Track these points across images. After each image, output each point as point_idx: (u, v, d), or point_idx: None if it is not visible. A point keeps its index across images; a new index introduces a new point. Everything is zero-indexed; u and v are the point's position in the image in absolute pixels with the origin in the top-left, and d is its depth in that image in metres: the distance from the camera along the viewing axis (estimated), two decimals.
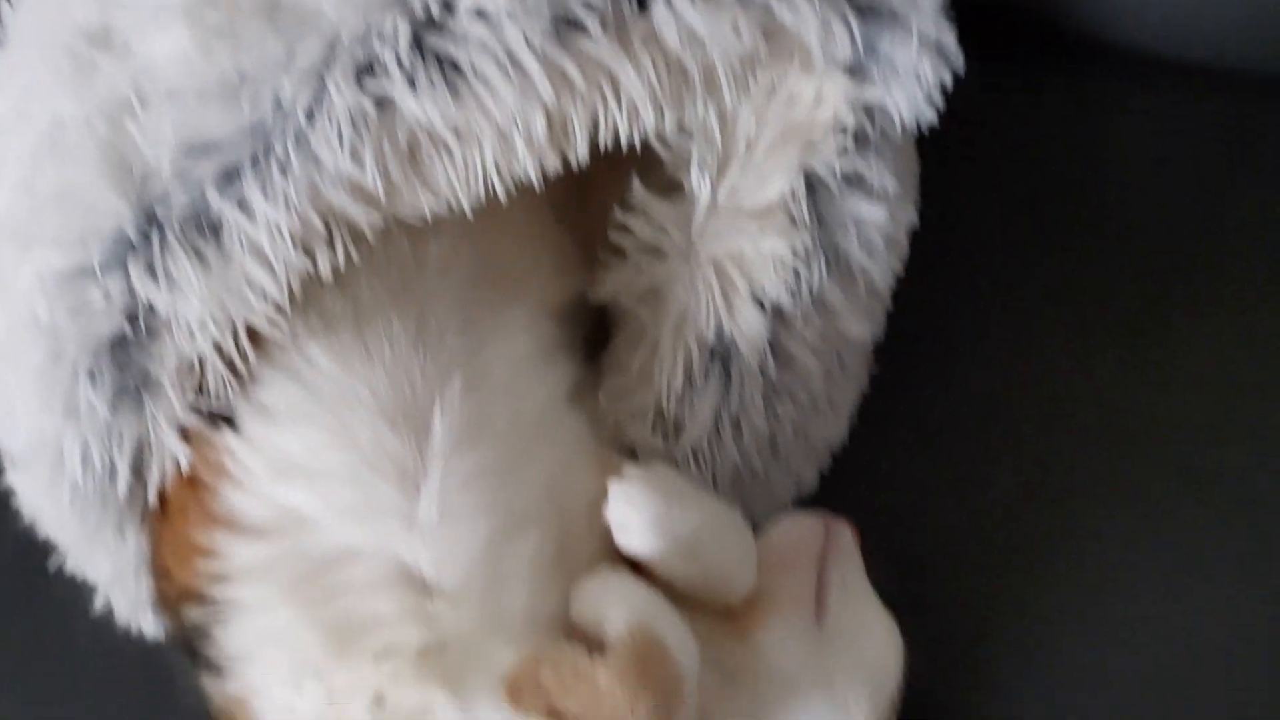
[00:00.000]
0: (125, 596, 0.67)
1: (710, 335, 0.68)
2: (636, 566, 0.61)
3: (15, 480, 0.64)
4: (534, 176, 0.59)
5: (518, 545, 0.59)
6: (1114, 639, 0.71)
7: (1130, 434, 0.78)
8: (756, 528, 0.67)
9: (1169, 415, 0.78)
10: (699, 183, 0.66)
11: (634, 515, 0.59)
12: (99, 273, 0.54)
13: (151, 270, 0.54)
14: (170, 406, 0.58)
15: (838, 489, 0.78)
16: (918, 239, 0.74)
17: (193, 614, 0.60)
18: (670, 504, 0.60)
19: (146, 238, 0.54)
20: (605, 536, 0.61)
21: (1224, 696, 0.69)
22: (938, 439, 0.80)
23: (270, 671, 0.57)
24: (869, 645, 0.64)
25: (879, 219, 0.68)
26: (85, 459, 0.58)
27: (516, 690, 0.53)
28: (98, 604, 0.68)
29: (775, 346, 0.69)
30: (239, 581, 0.58)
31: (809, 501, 0.78)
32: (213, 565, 0.59)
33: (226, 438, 0.60)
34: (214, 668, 0.59)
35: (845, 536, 0.67)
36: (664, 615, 0.56)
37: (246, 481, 0.59)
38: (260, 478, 0.59)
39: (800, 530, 0.67)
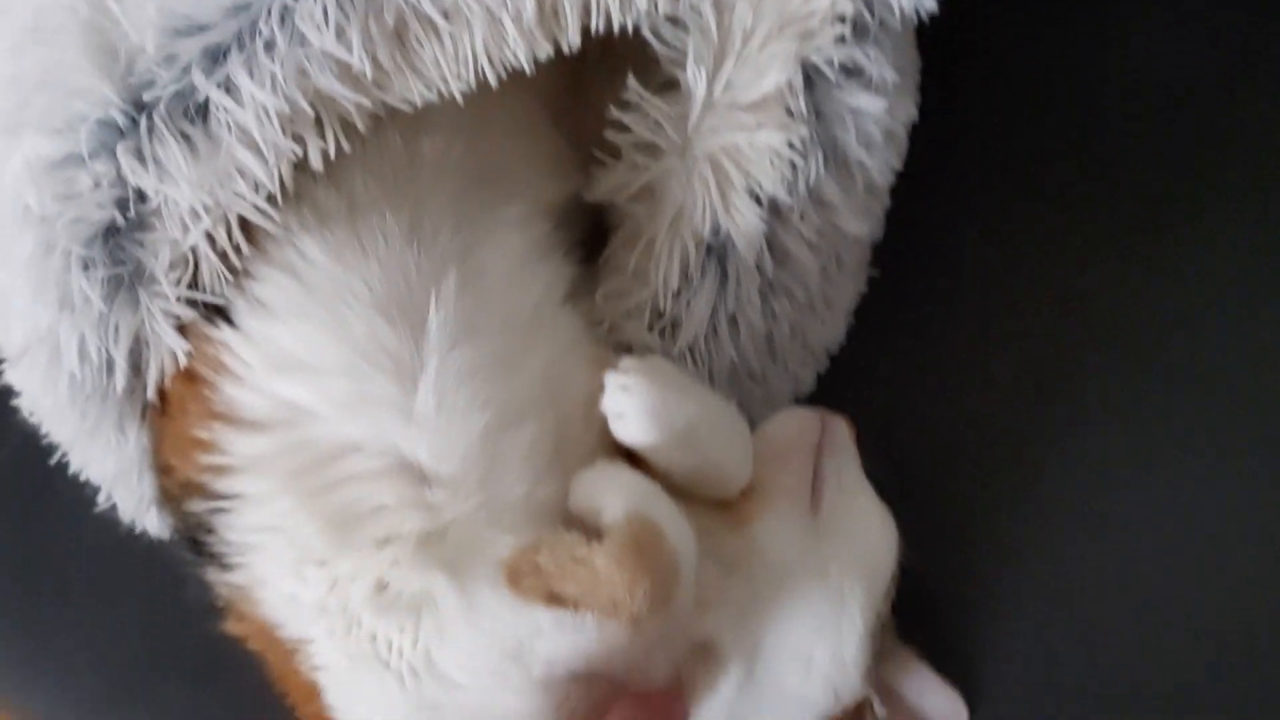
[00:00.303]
0: (129, 494, 0.68)
1: (706, 232, 0.68)
2: (633, 460, 0.62)
3: (14, 376, 0.64)
4: (525, 62, 0.58)
5: (514, 437, 0.60)
6: (1110, 534, 0.72)
7: (1128, 333, 0.77)
8: (754, 428, 0.68)
9: (1167, 314, 0.78)
10: (695, 77, 0.65)
11: (630, 405, 0.59)
12: (87, 159, 0.53)
13: (140, 156, 0.53)
14: (165, 299, 0.58)
15: (835, 391, 0.78)
16: (917, 135, 0.73)
17: (195, 507, 0.60)
18: (666, 394, 0.60)
19: (134, 123, 0.53)
20: (603, 432, 0.62)
21: (1220, 589, 0.70)
22: (936, 340, 0.80)
23: (273, 561, 0.58)
24: (864, 536, 0.65)
25: (877, 111, 0.67)
26: (82, 352, 0.58)
27: (516, 574, 0.54)
28: (101, 502, 0.69)
29: (772, 243, 0.69)
30: (240, 474, 0.59)
31: (807, 403, 0.78)
32: (213, 459, 0.59)
33: (223, 333, 0.60)
34: (218, 560, 0.60)
35: (841, 431, 0.68)
36: (660, 503, 0.57)
37: (244, 376, 0.59)
38: (258, 372, 0.59)
39: (797, 424, 0.67)
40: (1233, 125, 0.84)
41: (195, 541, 0.61)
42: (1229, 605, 0.70)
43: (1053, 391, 0.77)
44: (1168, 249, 0.80)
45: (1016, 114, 0.84)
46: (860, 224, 0.72)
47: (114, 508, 0.70)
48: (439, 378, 0.58)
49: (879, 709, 0.64)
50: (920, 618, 0.68)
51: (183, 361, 0.60)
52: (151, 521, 0.69)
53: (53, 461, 0.69)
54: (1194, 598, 0.70)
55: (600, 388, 0.61)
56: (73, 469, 0.69)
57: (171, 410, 0.62)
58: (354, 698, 0.58)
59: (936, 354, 0.80)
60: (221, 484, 0.59)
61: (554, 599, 0.53)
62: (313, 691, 0.59)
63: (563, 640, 0.53)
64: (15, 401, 0.66)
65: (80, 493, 0.70)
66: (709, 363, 0.71)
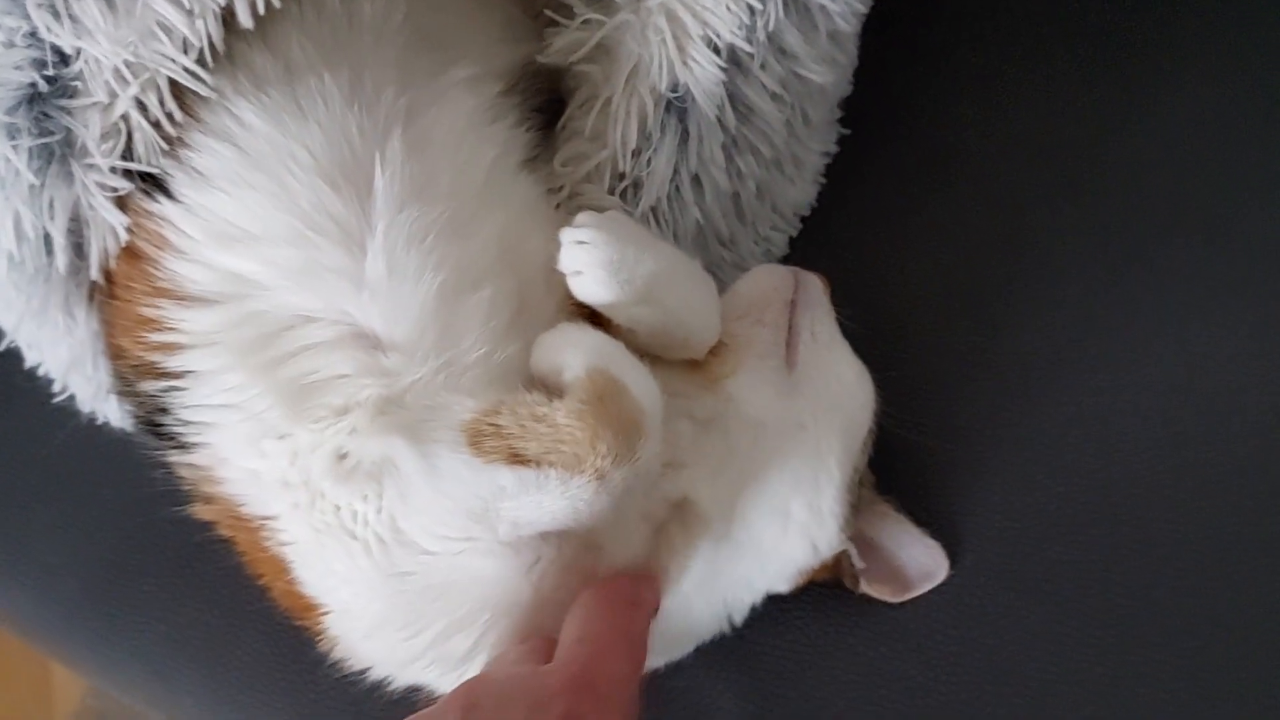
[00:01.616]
0: (84, 383, 0.67)
1: (664, 87, 0.65)
2: (597, 322, 0.60)
3: None
4: None
5: (470, 301, 0.58)
6: (1090, 381, 0.70)
7: (1103, 176, 0.75)
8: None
9: (1142, 156, 0.75)
10: None
11: (587, 260, 0.57)
12: None
13: (54, 10, 0.51)
14: (99, 171, 0.56)
15: (807, 255, 0.76)
16: None
17: (148, 388, 0.59)
18: (624, 248, 0.58)
19: None
20: (565, 297, 0.60)
21: (1207, 438, 0.68)
22: (909, 195, 0.78)
23: (231, 438, 0.57)
24: (840, 389, 0.63)
25: None
26: (18, 230, 0.57)
27: (476, 436, 0.52)
28: (57, 393, 0.68)
29: (733, 95, 0.67)
30: (190, 351, 0.57)
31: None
32: (162, 337, 0.57)
33: (163, 206, 0.58)
34: (176, 442, 0.59)
35: (814, 285, 0.66)
36: (622, 357, 0.55)
37: (188, 249, 0.57)
38: (202, 245, 0.57)
39: (770, 279, 0.65)
40: None
41: (153, 425, 0.60)
42: (1214, 446, 0.68)
43: (1026, 243, 0.75)
44: (1144, 96, 0.78)
45: None
46: (825, 73, 0.69)
47: (72, 399, 0.68)
48: (387, 241, 0.56)
49: (858, 561, 0.63)
50: (898, 471, 0.67)
51: (123, 237, 0.58)
52: (111, 410, 0.68)
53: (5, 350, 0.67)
54: (1174, 438, 0.68)
55: (558, 249, 0.59)
56: (29, 362, 0.67)
57: (118, 291, 0.60)
58: (322, 570, 0.57)
59: (909, 207, 0.78)
60: (172, 362, 0.57)
61: (516, 458, 0.51)
62: (281, 566, 0.58)
63: (527, 499, 0.52)
64: None
65: (43, 392, 0.69)
66: (673, 225, 0.69)
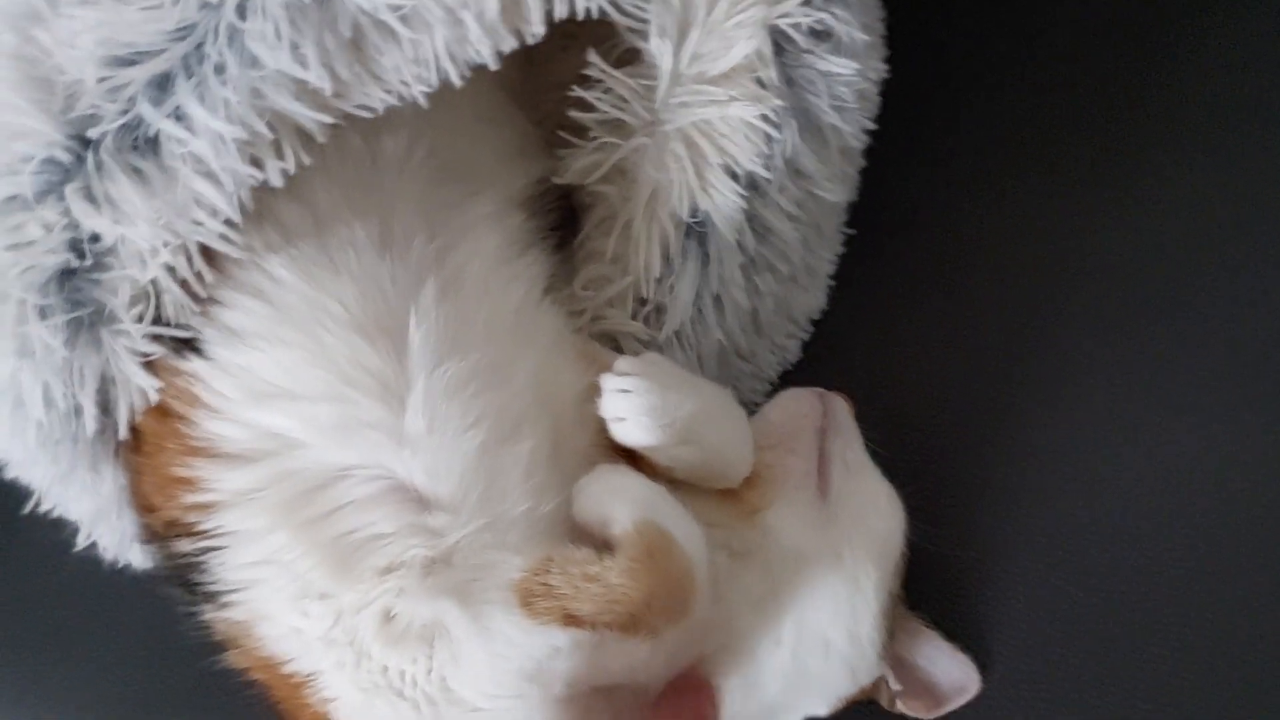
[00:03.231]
0: (110, 532, 0.65)
1: (684, 213, 0.66)
2: (632, 456, 0.60)
3: None
4: (489, 59, 0.55)
5: (511, 449, 0.58)
6: (1109, 481, 0.71)
7: (1112, 271, 0.76)
8: (750, 409, 0.66)
9: (1151, 250, 0.77)
10: (660, 50, 0.63)
11: (630, 408, 0.58)
12: (34, 202, 0.50)
13: (90, 195, 0.50)
14: (129, 337, 0.55)
15: (821, 358, 0.77)
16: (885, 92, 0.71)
17: (183, 547, 0.58)
18: (665, 392, 0.58)
19: (80, 160, 0.50)
20: (597, 429, 0.60)
21: (1215, 527, 0.70)
22: (919, 294, 0.78)
23: (273, 596, 0.56)
24: (873, 516, 0.64)
25: (849, 74, 0.65)
26: (47, 399, 0.56)
27: (529, 596, 0.52)
28: (81, 542, 0.66)
29: (752, 219, 0.67)
30: (229, 510, 0.56)
31: (796, 374, 0.77)
32: (198, 497, 0.57)
33: (194, 364, 0.57)
34: (213, 599, 0.58)
35: (841, 409, 0.67)
36: (667, 506, 0.55)
37: (222, 408, 0.57)
38: (237, 403, 0.57)
39: (797, 405, 0.66)
40: (1207, 57, 0.82)
41: (186, 581, 0.59)
42: (1238, 545, 0.69)
43: (1037, 341, 0.76)
44: (1152, 201, 0.78)
45: (984, 56, 0.83)
46: (838, 190, 0.71)
47: (94, 546, 0.67)
48: (427, 396, 0.56)
49: (894, 684, 0.64)
50: (925, 583, 0.68)
51: (154, 399, 0.57)
52: (136, 556, 0.67)
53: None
54: (1200, 539, 0.69)
55: (591, 384, 0.59)
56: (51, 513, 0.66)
57: (148, 448, 0.59)
58: None
59: (921, 307, 0.79)
60: (209, 521, 0.57)
61: (570, 619, 0.51)
62: None
63: (582, 659, 0.52)
64: None
65: (62, 532, 0.68)
66: (697, 346, 0.70)
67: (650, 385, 0.58)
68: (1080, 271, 0.77)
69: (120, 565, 0.69)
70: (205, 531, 0.57)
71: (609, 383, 0.58)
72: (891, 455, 0.67)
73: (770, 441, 0.64)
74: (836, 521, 0.63)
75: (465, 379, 0.57)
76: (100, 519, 0.64)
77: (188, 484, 0.57)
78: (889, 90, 0.72)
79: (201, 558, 0.57)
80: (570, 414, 0.61)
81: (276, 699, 0.59)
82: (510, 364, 0.60)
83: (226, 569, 0.57)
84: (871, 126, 0.71)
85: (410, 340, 0.57)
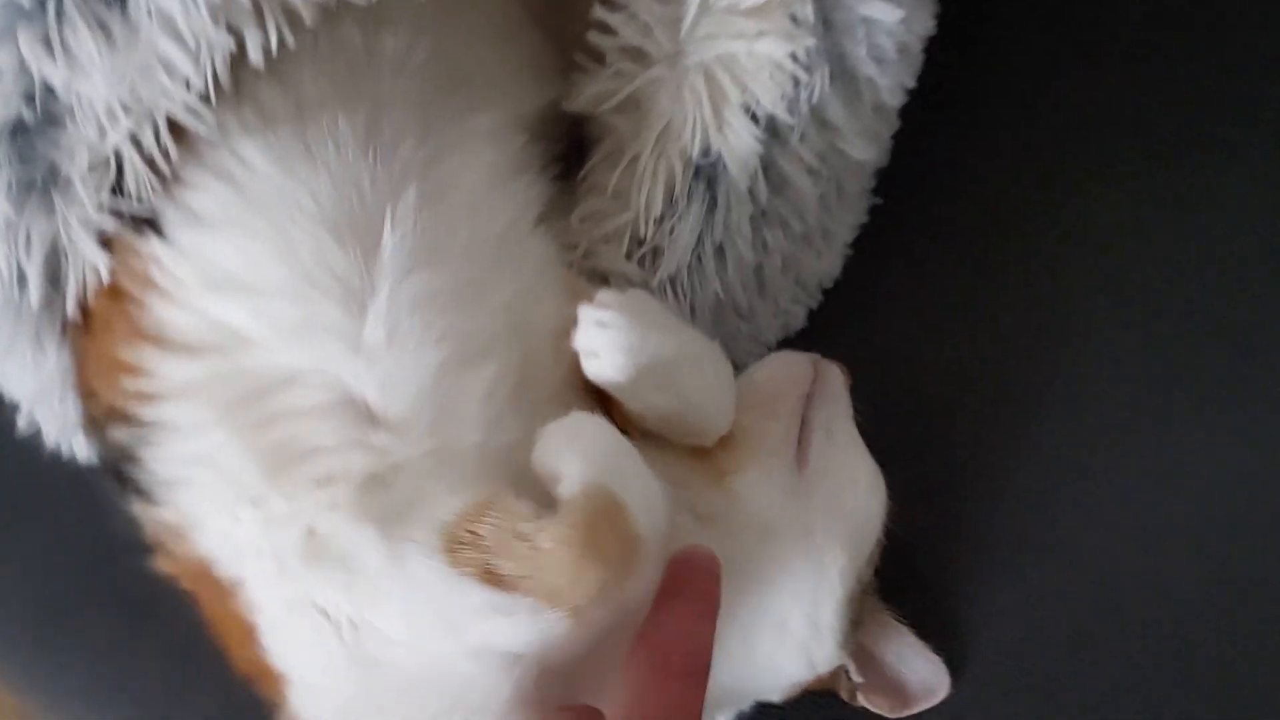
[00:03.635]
0: (51, 417, 0.62)
1: (695, 151, 0.61)
2: (606, 399, 0.56)
3: None
4: None
5: (472, 376, 0.54)
6: (1114, 484, 0.67)
7: (1138, 274, 0.72)
8: (739, 371, 0.62)
9: (1174, 256, 0.72)
10: None
11: (605, 342, 0.54)
12: None
13: (47, 43, 0.46)
14: (83, 207, 0.52)
15: (828, 330, 0.73)
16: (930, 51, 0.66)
17: (119, 435, 0.54)
18: (645, 330, 0.54)
19: (42, 5, 0.46)
20: (572, 368, 0.56)
21: (1224, 540, 0.66)
22: (940, 274, 0.74)
23: (204, 498, 0.53)
24: (851, 496, 0.60)
25: (892, 23, 0.60)
26: None
27: (453, 543, 0.48)
28: (22, 424, 0.63)
29: (768, 166, 0.63)
30: (170, 401, 0.53)
31: (798, 341, 0.73)
32: (141, 384, 0.53)
33: (153, 245, 0.53)
34: (144, 494, 0.55)
35: (834, 379, 0.62)
36: (630, 468, 0.50)
37: (176, 294, 0.53)
38: (191, 290, 0.53)
39: (787, 369, 0.62)
40: (1253, 58, 0.77)
41: (119, 473, 0.55)
42: (1233, 549, 0.66)
43: (1061, 338, 0.71)
44: (1186, 185, 0.74)
45: (1032, 34, 0.77)
46: (866, 148, 0.66)
47: (39, 431, 0.64)
48: (391, 306, 0.52)
49: (855, 675, 0.60)
50: (903, 574, 0.63)
51: (105, 277, 0.54)
52: (80, 446, 0.64)
53: None
54: (1197, 544, 0.65)
55: (571, 319, 0.55)
56: None
57: (95, 328, 0.55)
58: (290, 644, 0.53)
59: (936, 290, 0.74)
60: (148, 411, 0.53)
61: (490, 576, 0.47)
62: (248, 633, 0.53)
63: (495, 623, 0.47)
64: None
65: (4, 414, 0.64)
66: (691, 296, 0.65)
67: (630, 321, 0.54)
68: (1119, 267, 0.72)
69: (61, 456, 0.66)
70: (143, 422, 0.53)
71: (586, 313, 0.54)
72: (885, 438, 0.62)
73: (752, 403, 0.59)
74: (810, 496, 0.58)
75: (434, 293, 0.53)
76: (42, 400, 0.61)
77: (131, 370, 0.53)
78: (934, 51, 0.67)
79: (137, 450, 0.54)
80: (545, 347, 0.57)
81: (204, 606, 0.56)
82: (486, 286, 0.56)
83: (161, 464, 0.53)
84: (911, 85, 0.66)
85: (382, 245, 0.53)
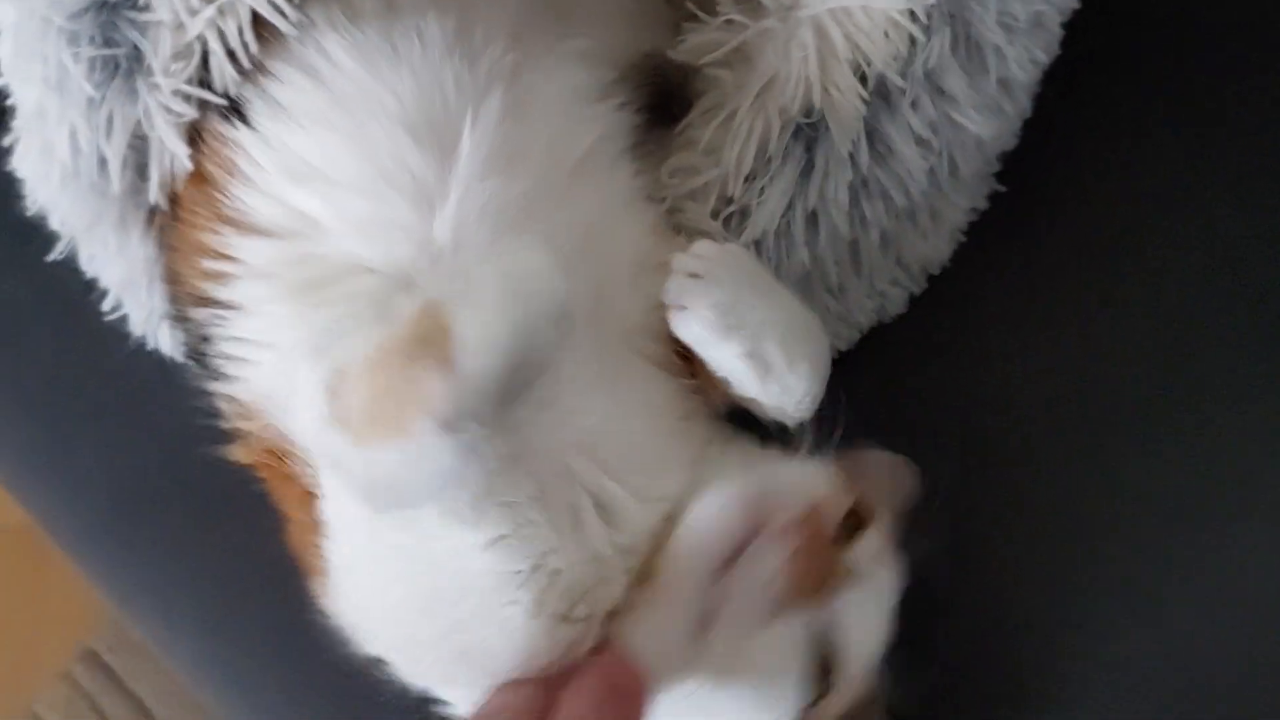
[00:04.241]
0: (137, 306, 0.64)
1: (796, 109, 0.58)
2: (688, 356, 0.54)
3: (16, 163, 0.60)
4: None
5: None
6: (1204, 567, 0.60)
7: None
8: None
9: None
10: None
11: (697, 296, 0.52)
12: None
13: None
14: (165, 95, 0.52)
15: (928, 320, 0.67)
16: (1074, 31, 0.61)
17: (199, 316, 0.56)
18: (739, 290, 0.52)
19: None
20: (649, 308, 0.54)
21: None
22: (1058, 276, 0.68)
23: (270, 374, 0.54)
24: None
25: None
26: (73, 143, 0.54)
27: (338, 382, 0.47)
28: (108, 309, 0.65)
29: (872, 132, 0.59)
30: (244, 282, 0.54)
31: (897, 329, 0.68)
32: (219, 265, 0.54)
33: (239, 132, 0.54)
34: (218, 374, 0.56)
35: (779, 545, 0.50)
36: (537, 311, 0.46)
37: (258, 180, 0.54)
38: (272, 177, 0.54)
39: (723, 517, 0.51)
40: None
41: (198, 356, 0.57)
42: None
43: (1183, 366, 0.64)
44: None
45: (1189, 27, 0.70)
46: (985, 124, 0.60)
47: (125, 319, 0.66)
48: (460, 210, 0.52)
49: None
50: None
51: (187, 165, 0.55)
52: (163, 338, 0.65)
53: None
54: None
55: (653, 255, 0.54)
56: (88, 275, 0.66)
57: (183, 215, 0.57)
58: (342, 525, 0.52)
59: (1053, 298, 0.68)
60: (224, 292, 0.55)
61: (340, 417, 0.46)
62: (305, 504, 0.54)
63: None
64: None
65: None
66: (776, 264, 0.61)
67: (726, 277, 0.52)
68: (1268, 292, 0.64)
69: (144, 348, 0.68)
70: (219, 303, 0.55)
71: (680, 262, 0.52)
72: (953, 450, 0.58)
73: (680, 545, 0.51)
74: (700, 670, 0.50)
75: (505, 202, 0.52)
76: (129, 288, 0.63)
77: (212, 253, 0.55)
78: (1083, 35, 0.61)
79: (213, 331, 0.55)
80: (621, 279, 0.55)
81: (270, 488, 0.57)
82: (562, 203, 0.54)
83: (230, 342, 0.55)
84: (1044, 61, 0.61)
85: (460, 149, 0.52)
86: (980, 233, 0.68)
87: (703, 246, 0.54)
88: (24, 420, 0.76)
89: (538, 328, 0.46)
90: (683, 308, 0.52)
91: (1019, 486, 0.64)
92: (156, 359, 0.69)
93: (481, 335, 0.44)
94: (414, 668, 0.54)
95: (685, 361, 0.55)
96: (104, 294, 0.67)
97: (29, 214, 0.66)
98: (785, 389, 0.54)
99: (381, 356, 0.45)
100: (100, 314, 0.68)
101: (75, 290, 0.72)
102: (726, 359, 0.53)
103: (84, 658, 1.17)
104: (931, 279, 0.68)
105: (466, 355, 0.44)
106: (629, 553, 0.53)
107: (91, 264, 0.64)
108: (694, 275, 0.52)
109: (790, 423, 0.55)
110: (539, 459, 0.51)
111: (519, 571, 0.50)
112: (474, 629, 0.51)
